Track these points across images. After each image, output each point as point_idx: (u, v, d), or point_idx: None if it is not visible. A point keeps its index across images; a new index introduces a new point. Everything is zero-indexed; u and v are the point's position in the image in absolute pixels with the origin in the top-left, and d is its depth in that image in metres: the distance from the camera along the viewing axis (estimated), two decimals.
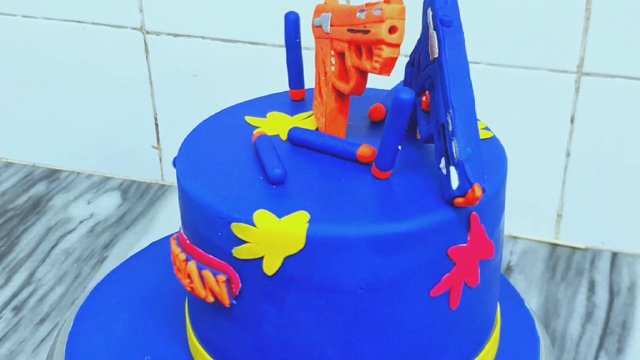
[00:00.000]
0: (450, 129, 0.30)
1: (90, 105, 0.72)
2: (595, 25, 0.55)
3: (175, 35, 0.67)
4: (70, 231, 0.64)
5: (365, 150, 0.35)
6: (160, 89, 0.71)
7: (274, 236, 0.29)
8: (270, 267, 0.30)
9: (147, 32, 0.67)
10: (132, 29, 0.67)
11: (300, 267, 0.30)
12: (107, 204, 0.69)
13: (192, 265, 0.33)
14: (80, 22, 0.68)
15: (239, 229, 0.30)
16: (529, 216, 0.64)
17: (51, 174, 0.73)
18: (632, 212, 0.61)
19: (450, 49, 0.31)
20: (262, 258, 0.31)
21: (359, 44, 0.32)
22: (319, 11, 0.38)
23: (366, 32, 0.31)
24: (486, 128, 0.39)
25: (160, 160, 0.73)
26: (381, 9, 0.30)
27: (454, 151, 0.30)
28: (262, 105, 0.42)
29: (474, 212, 0.31)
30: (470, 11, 0.56)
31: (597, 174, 0.61)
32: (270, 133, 0.37)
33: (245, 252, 0.30)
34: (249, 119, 0.39)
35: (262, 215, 0.30)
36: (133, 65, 0.70)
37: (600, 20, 0.55)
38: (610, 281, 0.59)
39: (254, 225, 0.29)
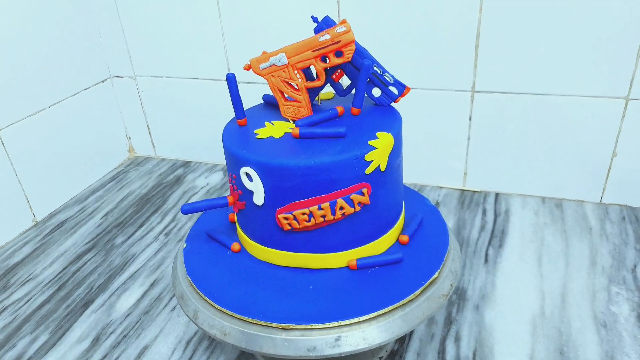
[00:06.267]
0: (380, 71, 0.49)
1: (209, 121, 0.94)
2: (482, 58, 0.73)
3: None
4: (196, 193, 0.87)
5: (340, 108, 0.49)
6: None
7: None
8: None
9: None
10: None
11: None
12: (216, 178, 0.92)
13: None
14: None
15: None
16: (449, 174, 0.84)
17: (185, 163, 0.98)
18: (505, 170, 0.80)
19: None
20: None
21: (326, 53, 0.45)
22: (262, 59, 0.47)
23: (337, 42, 0.44)
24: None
25: None
26: (345, 27, 0.44)
27: (388, 79, 0.49)
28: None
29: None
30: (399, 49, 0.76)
31: (484, 150, 0.80)
32: (274, 134, 0.47)
33: None
34: (257, 130, 0.48)
35: None
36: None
37: (487, 54, 0.73)
38: (495, 209, 0.78)
39: None
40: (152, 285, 0.69)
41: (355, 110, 0.49)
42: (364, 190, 0.45)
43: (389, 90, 0.51)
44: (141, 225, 0.82)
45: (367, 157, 0.45)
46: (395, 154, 0.48)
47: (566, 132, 0.74)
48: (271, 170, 0.44)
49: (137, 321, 0.63)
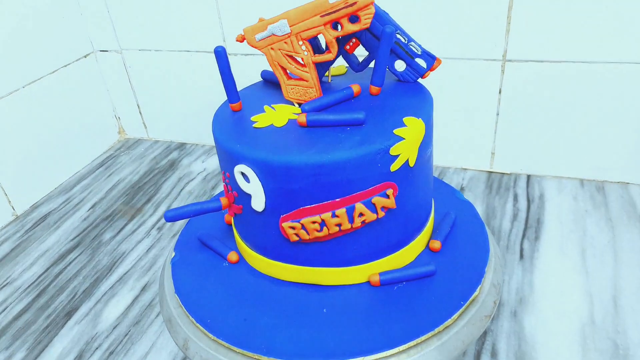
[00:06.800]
0: (405, 40, 0.40)
1: (205, 98, 0.85)
2: (516, 20, 0.63)
3: None
4: (192, 179, 0.79)
5: (356, 87, 0.40)
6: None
7: None
8: None
9: None
10: None
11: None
12: (214, 162, 0.83)
13: None
14: None
15: None
16: (474, 154, 0.75)
17: (181, 145, 0.90)
18: (537, 149, 0.71)
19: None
20: None
21: (338, 19, 0.36)
22: (259, 28, 0.38)
23: (352, 4, 0.35)
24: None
25: None
26: None
27: (414, 49, 0.41)
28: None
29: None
30: (433, 18, 0.66)
31: (514, 127, 0.70)
32: (276, 122, 0.38)
33: None
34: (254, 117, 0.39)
35: None
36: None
37: (521, 16, 0.63)
38: (527, 194, 0.70)
39: None
40: (143, 289, 0.61)
41: (374, 89, 0.40)
42: (389, 192, 0.36)
43: (416, 63, 0.42)
44: (132, 218, 0.73)
45: (393, 151, 0.35)
46: (426, 144, 0.38)
47: (609, 104, 0.65)
48: (272, 169, 0.35)
49: (126, 334, 0.55)
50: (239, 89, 0.47)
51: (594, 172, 0.71)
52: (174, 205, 0.75)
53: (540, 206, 0.68)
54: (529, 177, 0.73)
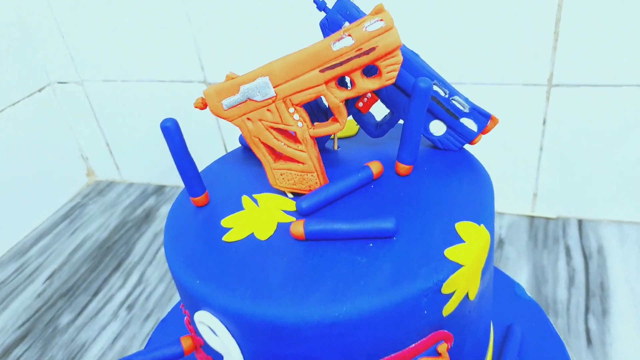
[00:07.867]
0: (445, 94, 0.28)
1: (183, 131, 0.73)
2: (565, 37, 0.50)
3: None
4: None
5: (376, 166, 0.27)
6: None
7: None
8: None
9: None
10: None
11: None
12: None
13: None
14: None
15: None
16: (512, 196, 0.62)
17: (159, 189, 0.76)
18: (589, 188, 0.58)
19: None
20: None
21: (348, 73, 0.24)
22: (227, 90, 0.26)
23: (369, 50, 0.23)
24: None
25: None
26: (382, 20, 0.23)
27: (459, 106, 0.28)
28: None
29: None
30: (461, 41, 0.54)
31: (561, 163, 0.58)
32: (258, 232, 0.25)
33: None
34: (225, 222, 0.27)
35: None
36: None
37: (571, 33, 0.50)
38: (582, 246, 0.57)
39: None
40: None
41: (403, 169, 0.27)
42: (441, 348, 0.23)
43: (462, 124, 0.28)
44: (97, 293, 0.60)
45: (446, 288, 0.22)
46: (490, 261, 0.25)
47: None
48: (252, 326, 0.22)
49: None
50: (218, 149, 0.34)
51: None
52: (148, 273, 0.62)
53: (601, 264, 0.54)
54: (580, 222, 0.60)
